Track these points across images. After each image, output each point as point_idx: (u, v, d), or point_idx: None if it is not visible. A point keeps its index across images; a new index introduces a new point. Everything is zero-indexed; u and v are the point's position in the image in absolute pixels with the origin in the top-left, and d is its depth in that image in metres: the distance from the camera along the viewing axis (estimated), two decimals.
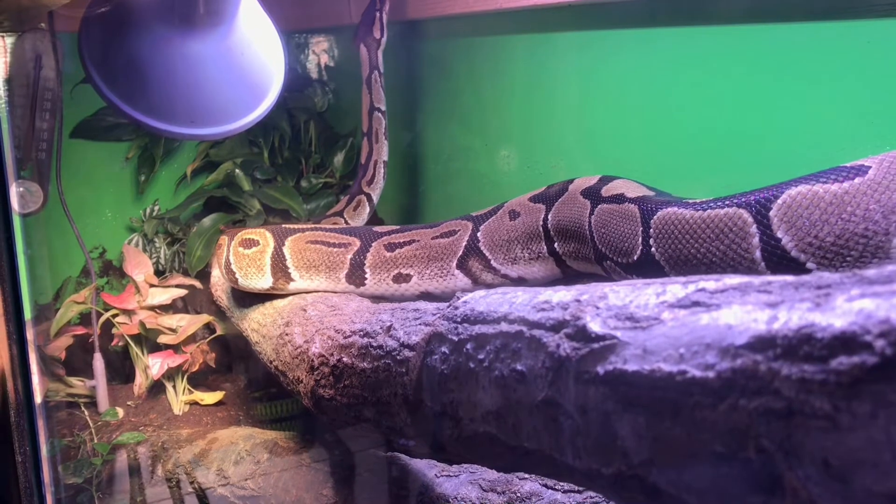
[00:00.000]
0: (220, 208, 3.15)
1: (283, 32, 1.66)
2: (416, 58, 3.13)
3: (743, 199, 1.44)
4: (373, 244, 2.22)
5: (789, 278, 0.76)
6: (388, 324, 1.41)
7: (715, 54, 1.90)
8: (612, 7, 2.14)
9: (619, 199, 1.72)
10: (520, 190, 2.13)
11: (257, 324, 2.24)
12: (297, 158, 3.40)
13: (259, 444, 2.21)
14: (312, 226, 2.40)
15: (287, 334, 1.93)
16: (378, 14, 2.80)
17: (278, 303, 2.21)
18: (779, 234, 1.39)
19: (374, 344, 1.42)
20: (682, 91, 2.00)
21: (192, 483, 2.14)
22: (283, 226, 2.40)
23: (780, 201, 1.39)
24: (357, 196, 2.88)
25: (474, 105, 2.80)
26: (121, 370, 2.90)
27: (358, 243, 2.23)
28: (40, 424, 1.26)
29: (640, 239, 1.60)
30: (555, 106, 2.43)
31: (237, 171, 3.18)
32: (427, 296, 2.14)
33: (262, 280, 2.29)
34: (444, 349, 1.15)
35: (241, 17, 1.54)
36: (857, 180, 1.34)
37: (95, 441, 2.45)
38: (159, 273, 3.08)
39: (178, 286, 2.92)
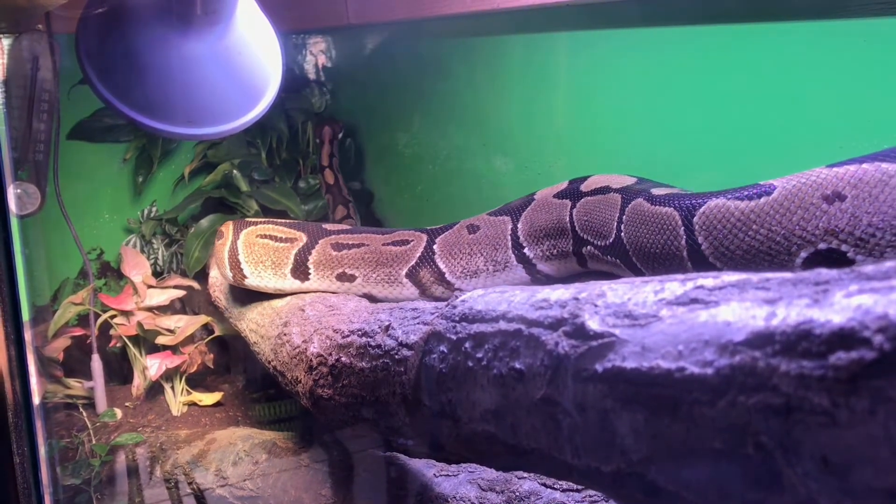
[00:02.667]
0: (217, 209, 3.15)
1: (280, 33, 1.66)
2: (413, 58, 3.13)
3: (678, 202, 1.54)
4: (319, 241, 2.23)
5: (787, 275, 0.76)
6: (387, 323, 1.41)
7: (712, 53, 1.90)
8: (609, 7, 2.14)
9: (604, 190, 1.81)
10: (518, 190, 2.13)
11: (255, 324, 2.23)
12: (295, 159, 3.40)
13: (257, 444, 2.21)
14: (266, 220, 2.42)
15: (285, 334, 1.93)
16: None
17: (276, 303, 2.20)
18: (699, 240, 1.49)
19: (373, 343, 1.42)
20: (679, 90, 2.00)
21: (190, 484, 2.13)
22: (246, 219, 2.41)
23: (701, 210, 1.48)
24: (349, 203, 3.19)
25: (472, 105, 2.80)
26: (119, 371, 2.89)
27: (305, 238, 2.24)
28: (38, 426, 1.25)
29: (615, 224, 1.72)
30: (553, 106, 2.43)
31: (235, 171, 3.18)
32: (370, 298, 2.16)
33: (228, 272, 2.31)
34: (442, 348, 1.15)
35: (238, 18, 1.53)
36: (762, 200, 1.41)
37: (94, 442, 2.44)
38: (157, 274, 3.08)
39: (175, 287, 2.92)
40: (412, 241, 2.14)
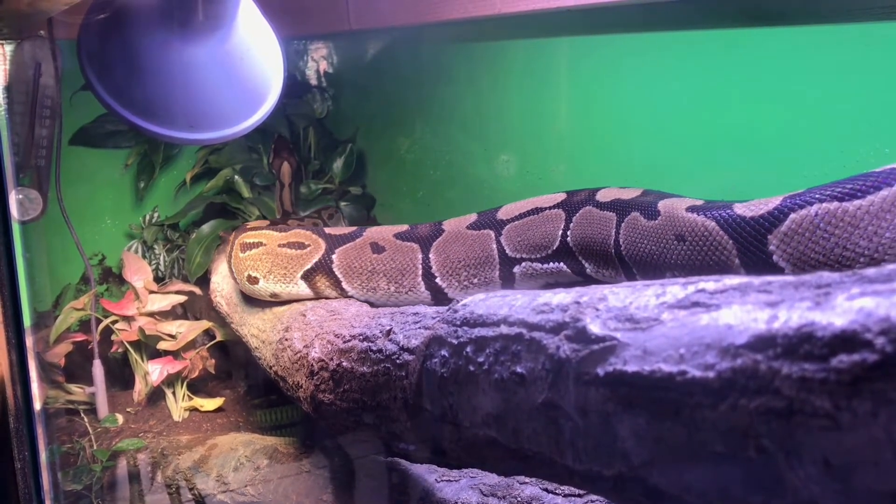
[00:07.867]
0: (219, 215, 3.15)
1: (282, 38, 1.66)
2: (414, 63, 3.13)
3: (618, 207, 1.71)
4: (235, 242, 2.25)
5: (789, 278, 0.76)
6: (388, 328, 1.41)
7: (714, 58, 1.90)
8: (610, 12, 2.14)
9: (535, 211, 1.94)
10: (518, 194, 2.12)
11: (257, 329, 2.23)
12: (297, 164, 3.40)
13: (259, 450, 2.20)
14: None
15: (286, 339, 1.93)
16: None
17: (278, 308, 2.20)
18: (622, 244, 1.67)
19: (374, 348, 1.42)
20: (681, 95, 2.00)
21: (191, 489, 2.13)
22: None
23: (624, 222, 1.67)
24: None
25: (474, 110, 2.81)
26: (120, 377, 2.89)
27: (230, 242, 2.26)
28: (39, 431, 1.25)
29: (560, 232, 1.88)
30: (554, 111, 2.43)
31: (236, 177, 3.18)
32: (275, 296, 2.19)
33: None
34: (443, 352, 1.15)
35: (240, 23, 1.53)
36: (649, 223, 1.58)
37: (95, 448, 2.44)
38: (159, 279, 3.08)
39: (177, 292, 2.92)
40: (309, 245, 2.14)
